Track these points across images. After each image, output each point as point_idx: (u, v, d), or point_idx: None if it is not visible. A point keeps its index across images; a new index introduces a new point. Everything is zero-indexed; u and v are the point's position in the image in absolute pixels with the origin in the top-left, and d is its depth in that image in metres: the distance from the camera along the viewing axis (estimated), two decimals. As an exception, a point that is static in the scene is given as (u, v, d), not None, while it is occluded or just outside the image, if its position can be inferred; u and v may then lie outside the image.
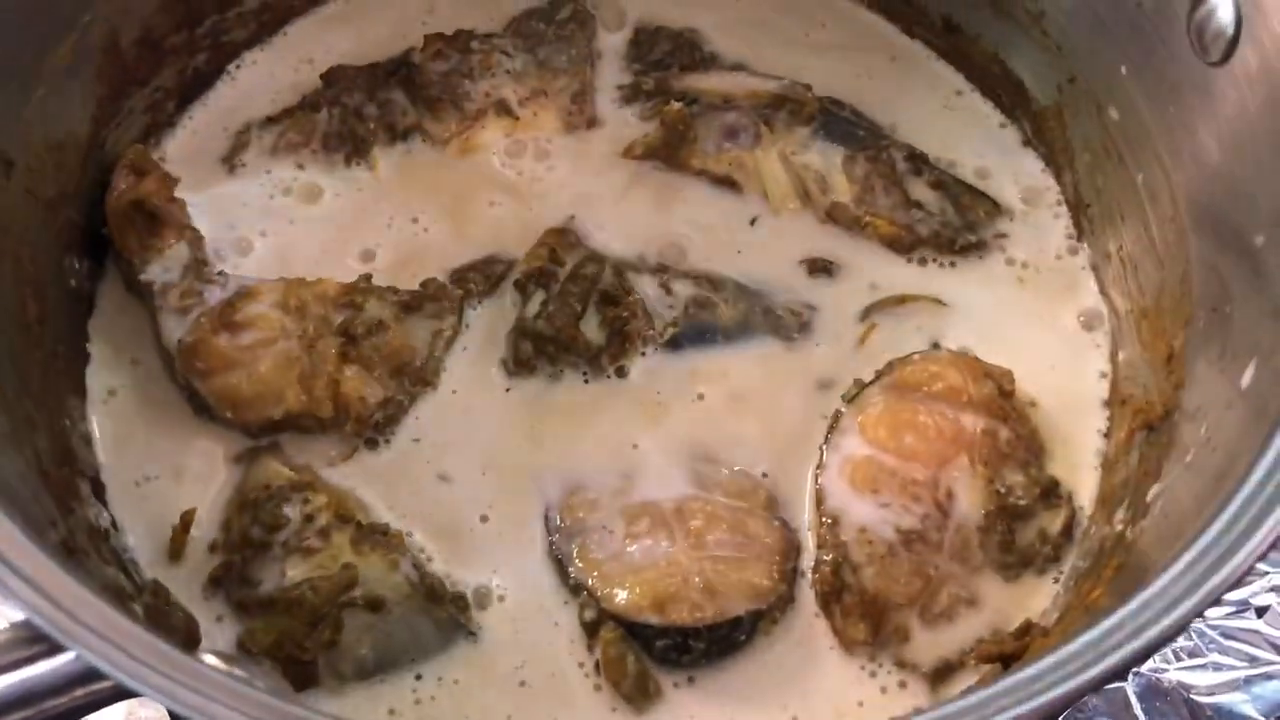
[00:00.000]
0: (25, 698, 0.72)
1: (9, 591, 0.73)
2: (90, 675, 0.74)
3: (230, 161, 1.28)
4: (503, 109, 1.30)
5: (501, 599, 1.11)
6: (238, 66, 1.31)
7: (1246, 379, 0.96)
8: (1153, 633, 0.80)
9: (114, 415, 1.18)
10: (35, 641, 0.75)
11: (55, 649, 0.74)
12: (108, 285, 1.22)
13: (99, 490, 1.13)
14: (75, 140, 1.17)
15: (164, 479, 1.15)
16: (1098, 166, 1.22)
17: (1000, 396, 1.16)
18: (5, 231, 1.07)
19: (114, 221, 1.19)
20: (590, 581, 1.10)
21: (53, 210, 1.14)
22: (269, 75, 1.31)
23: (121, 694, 0.75)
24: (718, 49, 1.36)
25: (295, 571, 1.09)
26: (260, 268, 1.22)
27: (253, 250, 1.24)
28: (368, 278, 1.21)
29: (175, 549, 1.11)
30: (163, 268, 1.19)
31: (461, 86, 1.30)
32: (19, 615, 0.76)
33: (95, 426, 1.17)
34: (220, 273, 1.19)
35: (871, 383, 1.18)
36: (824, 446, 1.16)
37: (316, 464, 1.16)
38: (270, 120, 1.29)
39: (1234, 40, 1.01)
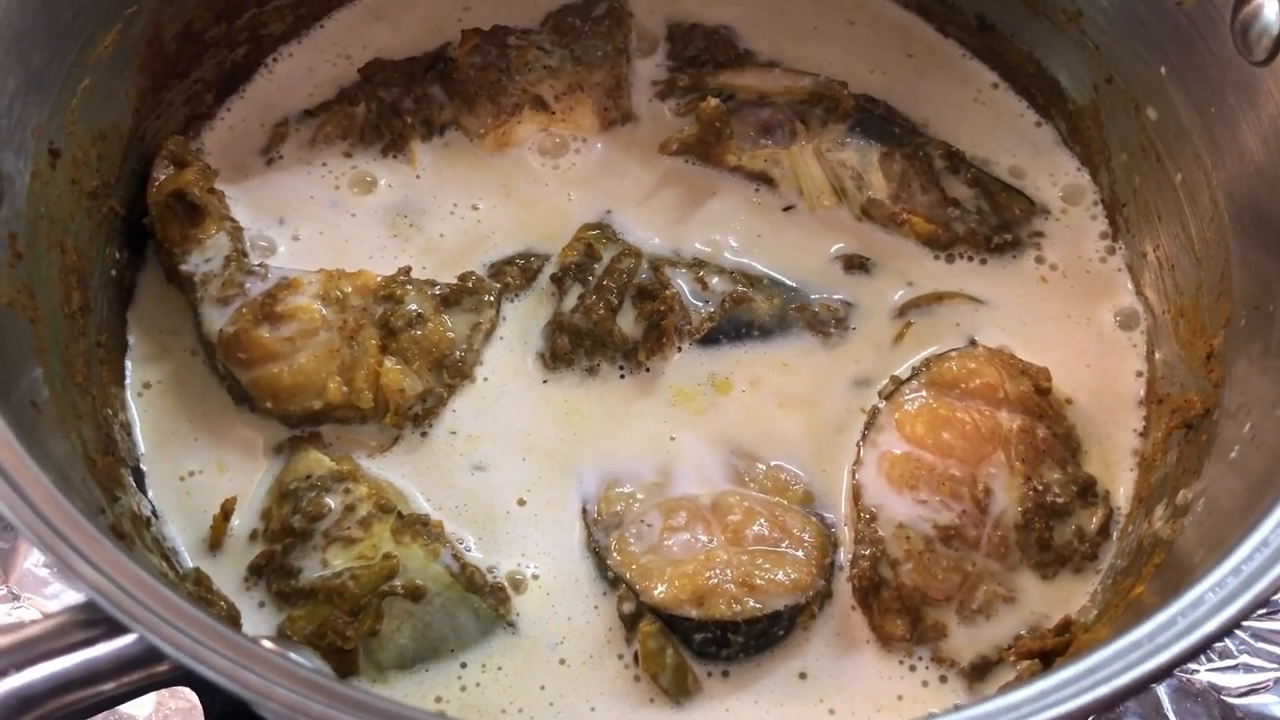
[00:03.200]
0: (87, 678, 0.73)
1: (74, 573, 0.73)
2: (151, 657, 0.74)
3: (268, 154, 1.28)
4: (539, 104, 1.31)
5: (536, 577, 1.12)
6: (275, 60, 1.32)
7: (1291, 377, 0.96)
8: (1201, 633, 0.80)
9: (153, 405, 1.18)
10: (97, 624, 0.75)
11: (116, 630, 0.74)
12: (148, 276, 1.23)
13: (140, 479, 1.14)
14: (118, 131, 1.17)
15: (204, 468, 1.16)
16: (1135, 166, 1.22)
17: (1037, 394, 1.17)
18: (52, 221, 1.08)
19: (155, 212, 1.20)
20: (629, 575, 1.11)
21: (96, 200, 1.15)
22: (307, 69, 1.32)
23: (180, 676, 0.75)
24: (751, 45, 1.36)
25: (336, 560, 1.10)
26: (298, 259, 1.23)
27: (293, 241, 1.24)
28: (407, 271, 1.21)
29: (215, 538, 1.12)
30: (203, 258, 1.19)
31: (498, 81, 1.30)
32: (78, 597, 0.76)
33: (135, 416, 1.17)
34: (260, 264, 1.20)
35: (909, 379, 1.18)
36: (861, 443, 1.16)
37: (356, 454, 1.16)
38: (308, 113, 1.30)
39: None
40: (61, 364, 1.05)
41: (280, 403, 1.16)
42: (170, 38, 1.21)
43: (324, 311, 1.17)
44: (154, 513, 1.12)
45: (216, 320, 1.17)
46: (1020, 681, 1.05)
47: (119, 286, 1.20)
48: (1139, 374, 1.20)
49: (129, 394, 1.18)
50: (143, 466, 1.15)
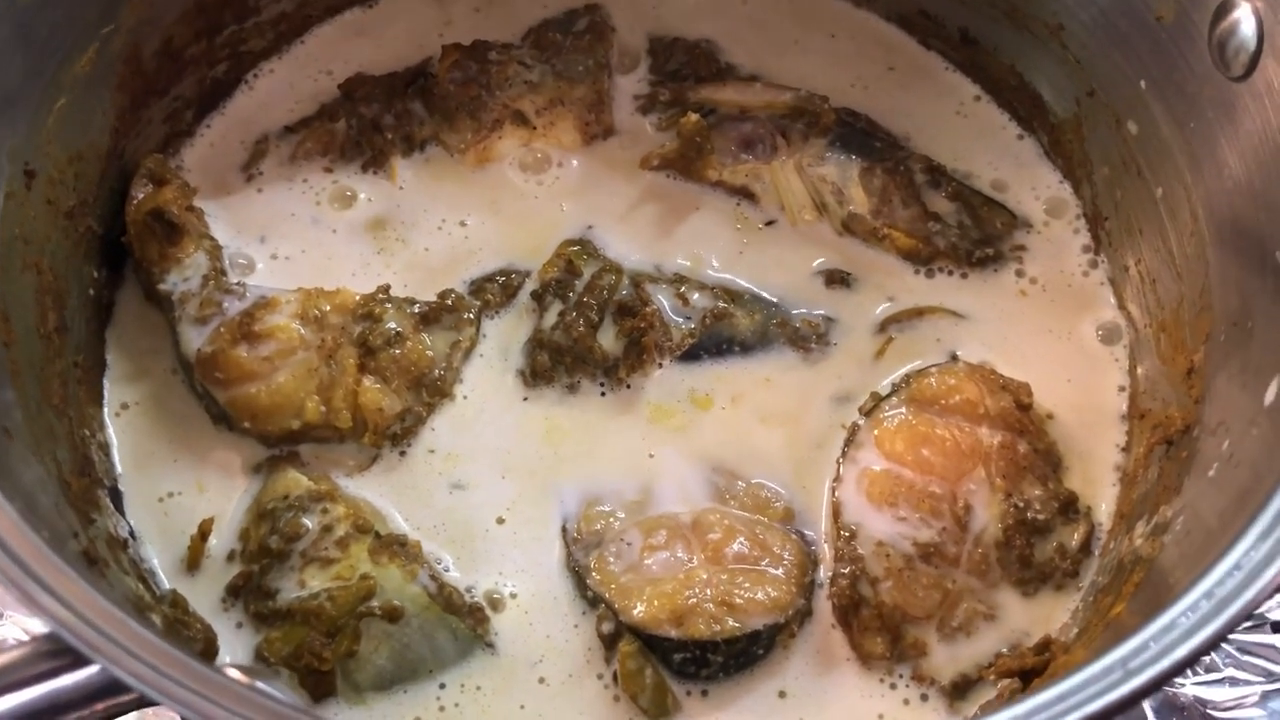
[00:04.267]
0: (51, 710, 0.72)
1: (35, 604, 0.73)
2: (114, 688, 0.74)
3: (249, 171, 1.28)
4: (520, 119, 1.30)
5: (515, 596, 1.12)
6: (256, 76, 1.31)
7: (1270, 396, 0.95)
8: (1182, 652, 0.80)
9: (131, 425, 1.18)
10: (60, 654, 0.74)
11: (79, 662, 0.74)
12: (126, 294, 1.23)
13: (118, 500, 1.13)
14: (95, 150, 1.17)
15: (182, 488, 1.16)
16: (1116, 180, 1.21)
17: (1018, 409, 1.16)
18: (26, 242, 1.07)
19: (133, 230, 1.19)
20: (608, 594, 1.10)
21: (73, 220, 1.14)
22: (287, 85, 1.31)
23: (144, 704, 0.75)
24: (733, 59, 1.35)
25: (313, 581, 1.09)
26: (278, 277, 1.23)
27: (273, 259, 1.24)
28: (386, 289, 1.21)
29: (193, 558, 1.12)
30: (181, 277, 1.19)
31: (479, 97, 1.29)
32: (41, 627, 0.76)
33: (113, 436, 1.17)
34: (239, 283, 1.19)
35: (889, 396, 1.18)
36: (841, 460, 1.16)
37: (334, 473, 1.16)
38: (289, 130, 1.29)
39: (1256, 55, 1.01)
40: (37, 386, 1.05)
41: (258, 422, 1.16)
42: (149, 55, 1.20)
43: (302, 331, 1.17)
44: (132, 534, 1.12)
45: (194, 340, 1.17)
46: (1001, 702, 1.05)
47: (97, 306, 1.20)
48: (1121, 389, 1.20)
49: (107, 414, 1.17)
50: (121, 487, 1.15)
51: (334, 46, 1.33)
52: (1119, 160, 1.20)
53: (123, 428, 1.17)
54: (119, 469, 1.16)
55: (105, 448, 1.15)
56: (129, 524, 1.13)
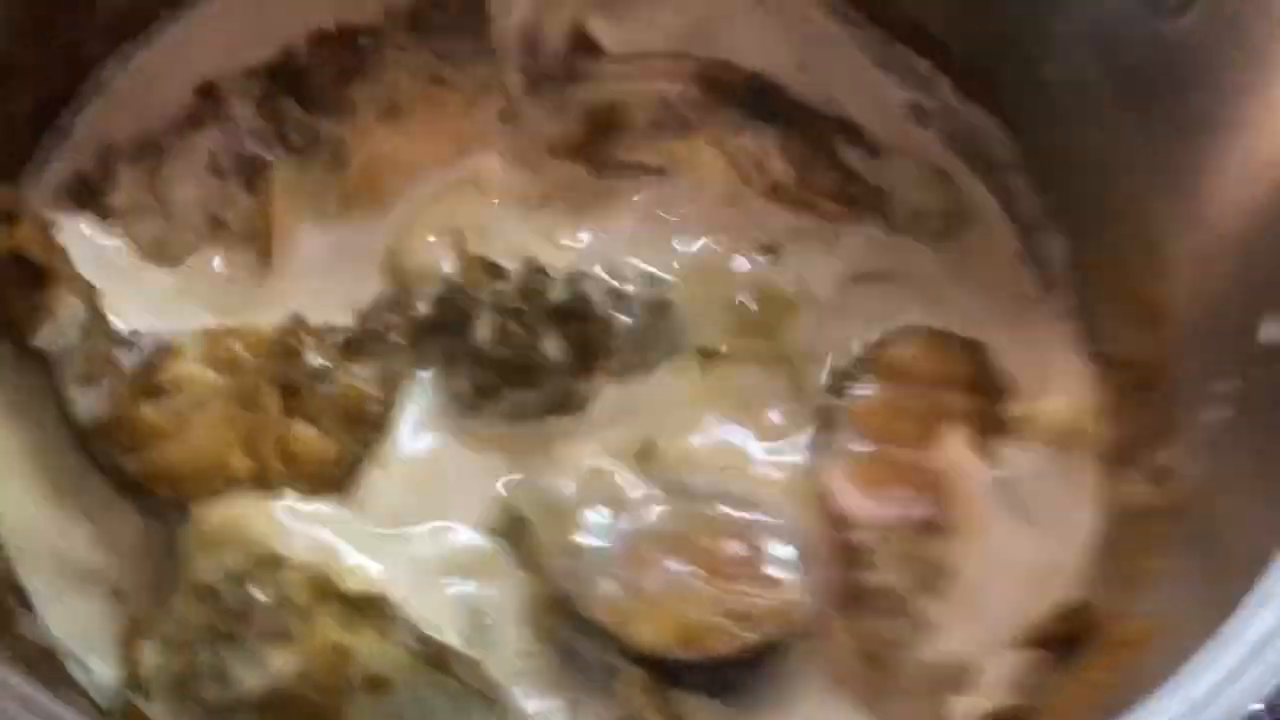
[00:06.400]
0: None
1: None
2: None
3: (104, 198, 1.10)
4: (402, 108, 1.17)
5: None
6: (101, 84, 1.13)
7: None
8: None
9: (16, 501, 1.00)
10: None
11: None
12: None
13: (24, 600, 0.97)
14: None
15: (90, 574, 0.99)
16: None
17: (980, 370, 1.14)
18: None
19: (-11, 282, 1.01)
20: (605, 621, 1.02)
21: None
22: (138, 92, 1.14)
23: None
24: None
25: (278, 661, 0.96)
26: (166, 317, 1.06)
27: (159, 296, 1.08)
28: (299, 319, 1.07)
29: (133, 675, 0.96)
30: (56, 331, 1.01)
31: (358, 88, 1.16)
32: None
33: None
34: (131, 330, 1.03)
35: (853, 373, 1.13)
36: (819, 447, 1.10)
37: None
38: (144, 145, 1.12)
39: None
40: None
41: (179, 488, 1.01)
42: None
43: (214, 377, 1.02)
44: (59, 649, 0.95)
45: (87, 404, 1.00)
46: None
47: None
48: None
49: (-6, 504, 0.99)
50: (20, 582, 0.97)
51: (185, 46, 1.15)
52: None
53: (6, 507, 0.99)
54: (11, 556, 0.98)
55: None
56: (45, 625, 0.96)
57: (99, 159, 1.12)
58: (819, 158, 1.21)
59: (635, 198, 1.19)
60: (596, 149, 1.20)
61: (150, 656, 0.96)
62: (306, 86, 1.16)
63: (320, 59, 1.17)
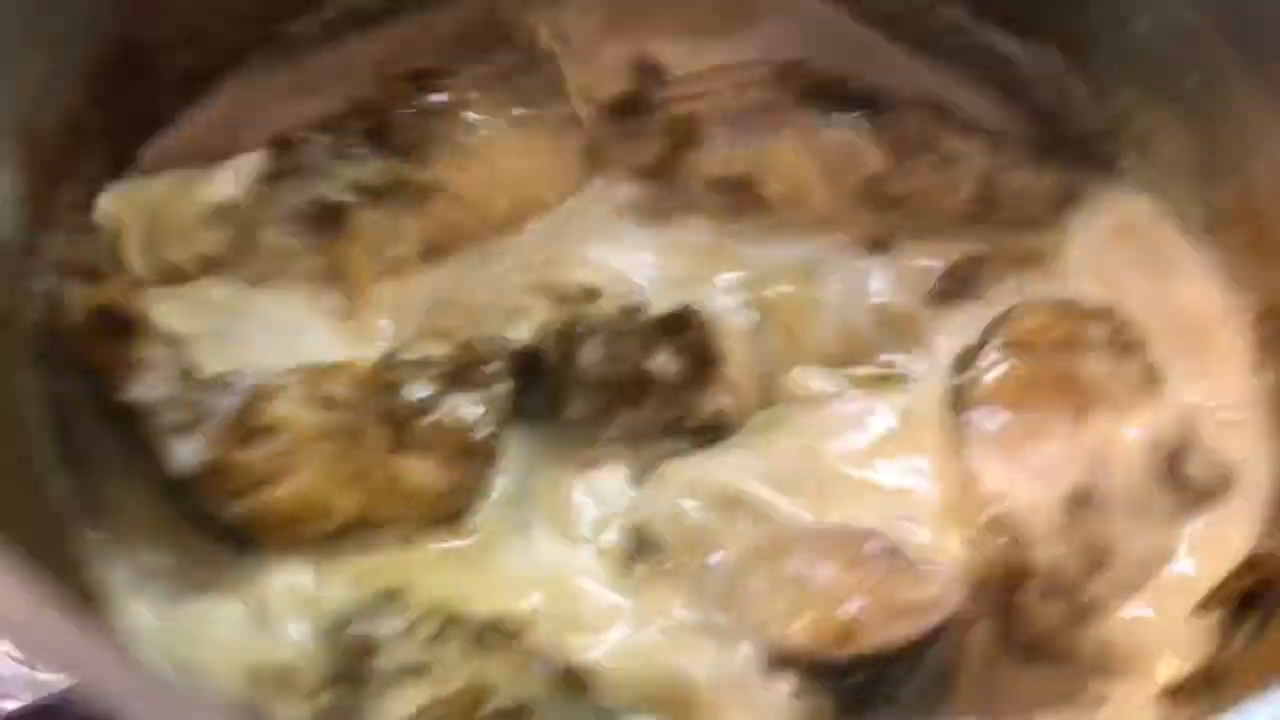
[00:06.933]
0: None
1: None
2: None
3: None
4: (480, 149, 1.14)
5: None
6: (166, 142, 1.11)
7: None
8: None
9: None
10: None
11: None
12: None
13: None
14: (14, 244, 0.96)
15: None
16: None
17: (1114, 333, 1.07)
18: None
19: (76, 337, 0.97)
20: (753, 623, 0.94)
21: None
22: (213, 145, 1.11)
23: None
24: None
25: (412, 695, 0.89)
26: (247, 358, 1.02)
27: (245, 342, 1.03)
28: (395, 354, 1.02)
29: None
30: (147, 384, 0.97)
31: (437, 127, 1.13)
32: None
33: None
34: (225, 376, 0.98)
35: (982, 348, 1.06)
36: (958, 426, 1.03)
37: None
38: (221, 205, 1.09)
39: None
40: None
41: (287, 532, 0.95)
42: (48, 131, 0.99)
43: (313, 415, 0.97)
44: None
45: (184, 452, 0.95)
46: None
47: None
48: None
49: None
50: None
51: (253, 100, 1.14)
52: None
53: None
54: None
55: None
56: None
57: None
58: (911, 144, 1.16)
59: (717, 212, 1.15)
60: (679, 166, 1.16)
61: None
62: (384, 132, 1.12)
63: (398, 102, 1.14)
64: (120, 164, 1.08)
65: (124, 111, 1.07)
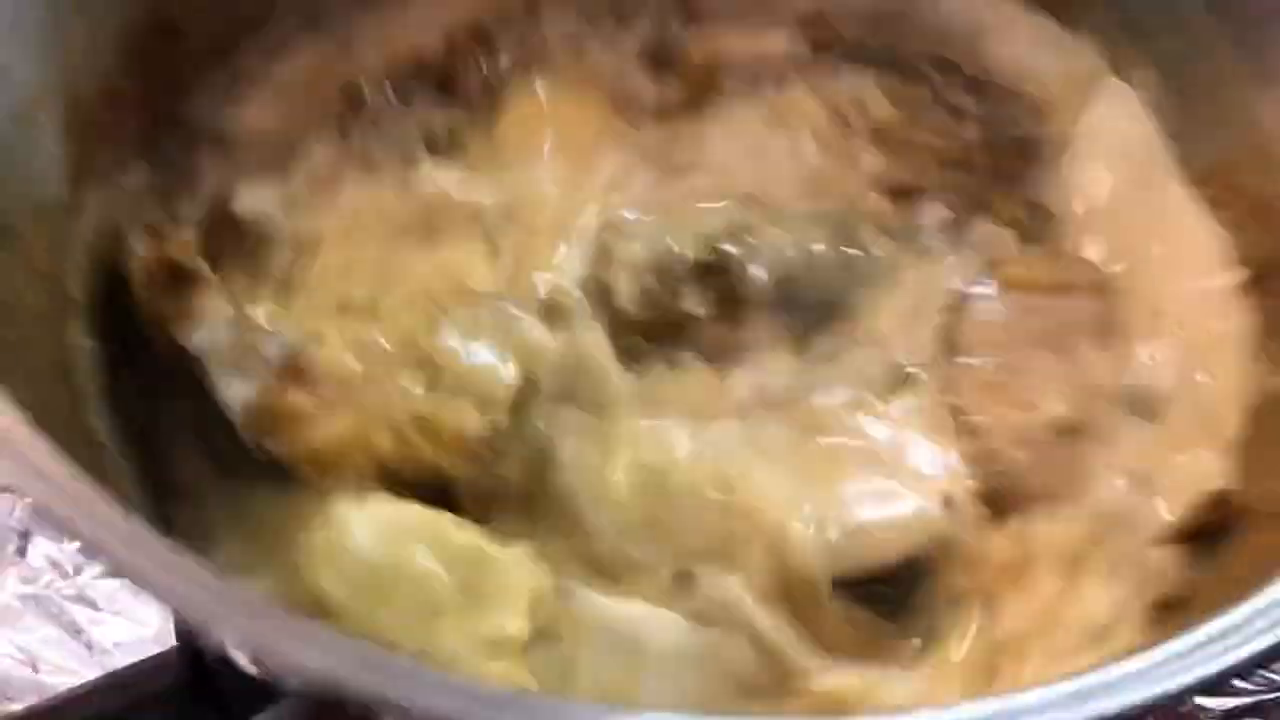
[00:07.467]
0: None
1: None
2: None
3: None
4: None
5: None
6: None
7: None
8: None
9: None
10: None
11: None
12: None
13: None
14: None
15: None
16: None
17: (1100, 278, 1.13)
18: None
19: (142, 290, 1.05)
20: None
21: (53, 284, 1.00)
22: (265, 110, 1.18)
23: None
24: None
25: None
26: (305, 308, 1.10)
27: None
28: (433, 298, 1.10)
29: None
30: (208, 332, 1.05)
31: (500, 78, 1.20)
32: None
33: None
34: (274, 326, 1.07)
35: (972, 289, 1.13)
36: (944, 361, 1.10)
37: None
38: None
39: None
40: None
41: (325, 468, 1.02)
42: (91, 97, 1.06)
43: (355, 360, 1.05)
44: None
45: (237, 388, 1.03)
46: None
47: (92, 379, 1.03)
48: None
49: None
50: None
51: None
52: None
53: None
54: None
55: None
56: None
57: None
58: (922, 98, 1.22)
59: (740, 155, 1.21)
60: (698, 109, 1.22)
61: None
62: (453, 81, 1.20)
63: (462, 57, 1.21)
64: (155, 125, 1.15)
65: (156, 77, 1.14)
